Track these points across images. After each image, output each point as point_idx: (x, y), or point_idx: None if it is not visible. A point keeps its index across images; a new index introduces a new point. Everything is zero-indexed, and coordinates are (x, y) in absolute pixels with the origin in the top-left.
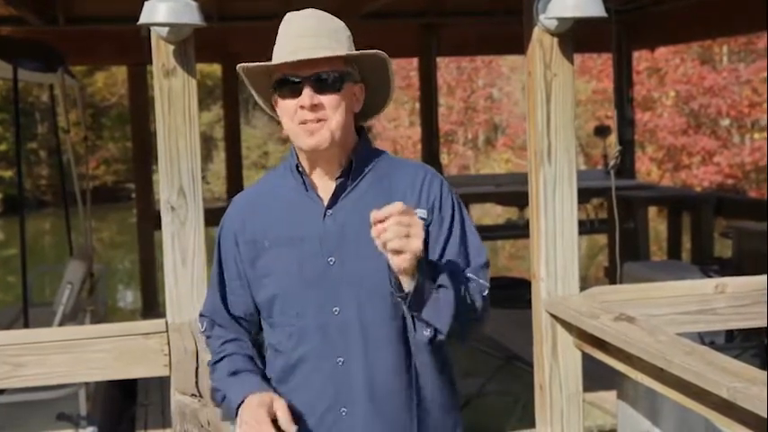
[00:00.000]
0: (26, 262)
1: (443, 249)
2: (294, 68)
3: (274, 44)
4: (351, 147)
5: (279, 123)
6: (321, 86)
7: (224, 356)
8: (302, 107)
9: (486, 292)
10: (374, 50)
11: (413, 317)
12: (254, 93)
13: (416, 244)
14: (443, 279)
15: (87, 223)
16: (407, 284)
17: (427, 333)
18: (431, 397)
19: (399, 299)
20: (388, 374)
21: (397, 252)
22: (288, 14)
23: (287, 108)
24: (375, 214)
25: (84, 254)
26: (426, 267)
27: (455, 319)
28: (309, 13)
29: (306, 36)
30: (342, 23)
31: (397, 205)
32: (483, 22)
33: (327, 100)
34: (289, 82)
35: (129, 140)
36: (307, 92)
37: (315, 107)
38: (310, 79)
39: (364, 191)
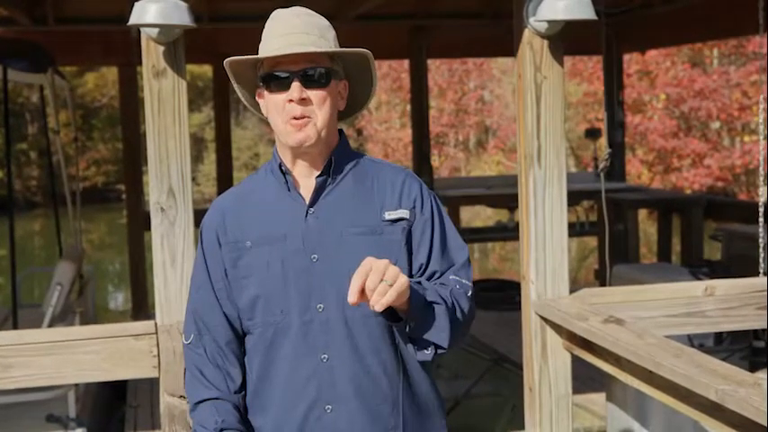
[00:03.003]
0: (15, 263)
1: (427, 251)
2: (282, 64)
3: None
4: (333, 146)
5: (264, 122)
6: (308, 82)
7: (209, 399)
8: (291, 101)
9: (471, 292)
10: (358, 49)
11: (412, 340)
12: (237, 89)
13: (404, 281)
14: (433, 295)
15: (77, 224)
16: (402, 312)
17: (429, 352)
18: (418, 396)
19: (397, 327)
20: (373, 371)
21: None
22: (275, 11)
23: (275, 102)
24: (353, 286)
25: (74, 255)
26: (415, 287)
27: (450, 331)
28: (297, 11)
29: (294, 33)
30: (327, 22)
31: (365, 265)
32: (473, 24)
33: (315, 95)
34: (277, 76)
35: (120, 141)
36: (295, 86)
37: (303, 101)
38: (298, 74)
39: (345, 189)
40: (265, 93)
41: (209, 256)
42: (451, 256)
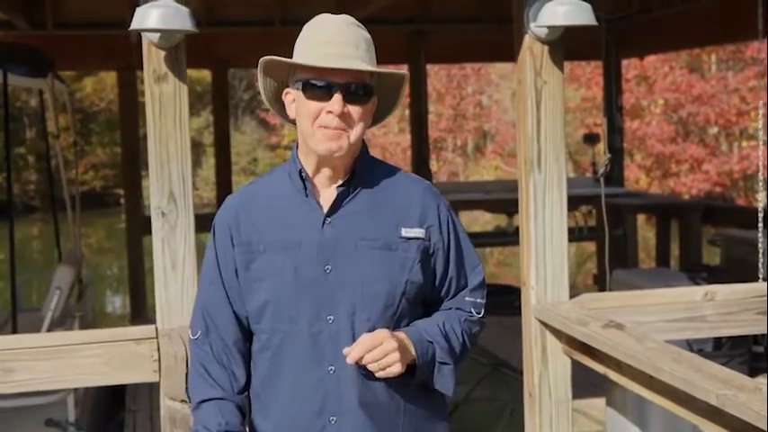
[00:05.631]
0: (15, 267)
1: (443, 269)
2: (326, 73)
3: (298, 41)
4: (356, 155)
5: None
6: (352, 97)
7: (213, 398)
8: (329, 112)
9: (483, 311)
10: (399, 71)
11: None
12: (261, 85)
13: (398, 368)
14: (442, 351)
15: (76, 228)
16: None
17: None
18: (418, 405)
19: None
20: (381, 383)
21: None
22: (323, 15)
23: (309, 109)
24: (356, 353)
25: (73, 259)
26: (423, 345)
27: (455, 376)
28: (347, 19)
29: (344, 43)
30: (369, 35)
31: (364, 343)
32: (473, 28)
33: (355, 111)
34: (320, 85)
35: (118, 146)
36: (338, 98)
37: (342, 115)
38: (342, 87)
39: (364, 201)
40: (300, 96)
41: (222, 253)
42: (467, 276)
